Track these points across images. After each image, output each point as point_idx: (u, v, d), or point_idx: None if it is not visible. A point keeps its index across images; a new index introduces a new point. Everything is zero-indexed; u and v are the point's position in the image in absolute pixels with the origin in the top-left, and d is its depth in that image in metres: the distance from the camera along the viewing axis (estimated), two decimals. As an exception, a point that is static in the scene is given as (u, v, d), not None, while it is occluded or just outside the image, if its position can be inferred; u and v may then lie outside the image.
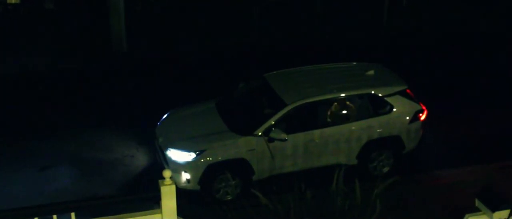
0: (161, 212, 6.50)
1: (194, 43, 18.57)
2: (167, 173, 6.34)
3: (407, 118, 12.48)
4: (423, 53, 18.59)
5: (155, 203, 6.66)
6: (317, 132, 11.96)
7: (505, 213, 8.06)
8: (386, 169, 12.54)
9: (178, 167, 11.56)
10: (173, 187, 6.38)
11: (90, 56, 17.69)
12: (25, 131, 14.02)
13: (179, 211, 6.63)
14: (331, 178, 8.21)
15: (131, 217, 6.49)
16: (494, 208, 8.01)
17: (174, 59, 17.67)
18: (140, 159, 13.13)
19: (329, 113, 12.06)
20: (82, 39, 18.38)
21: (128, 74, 16.93)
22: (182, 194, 11.33)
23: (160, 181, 6.41)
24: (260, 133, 11.66)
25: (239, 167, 11.67)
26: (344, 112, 12.16)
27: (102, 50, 17.94)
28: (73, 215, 6.32)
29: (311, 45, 18.78)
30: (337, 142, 12.08)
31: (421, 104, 12.70)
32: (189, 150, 11.57)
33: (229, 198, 11.76)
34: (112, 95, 15.72)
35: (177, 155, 11.62)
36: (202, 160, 11.50)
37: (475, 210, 8.26)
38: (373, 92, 12.31)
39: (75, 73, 16.82)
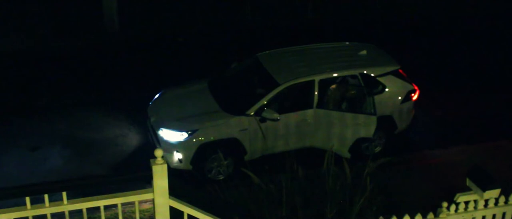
0: (152, 192, 6.49)
1: (186, 23, 18.47)
2: (158, 153, 6.32)
3: (399, 98, 12.49)
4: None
5: (147, 182, 6.66)
6: (309, 112, 11.96)
7: (495, 192, 8.11)
8: (378, 149, 12.57)
9: (170, 147, 11.56)
10: (165, 166, 6.36)
11: (81, 34, 17.57)
12: (16, 111, 13.95)
13: (171, 191, 6.63)
14: (323, 158, 8.24)
15: (122, 196, 6.48)
16: (484, 187, 8.05)
17: (166, 39, 17.58)
18: (132, 139, 13.10)
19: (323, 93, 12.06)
20: (73, 18, 18.25)
21: (119, 53, 16.84)
22: (174, 173, 11.36)
23: (151, 160, 6.40)
24: (252, 113, 11.65)
25: (231, 147, 11.67)
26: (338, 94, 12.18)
27: (93, 28, 17.82)
28: (64, 194, 6.31)
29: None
30: (330, 125, 12.06)
31: (413, 84, 12.71)
32: (181, 130, 11.56)
33: (221, 178, 11.78)
34: (104, 75, 15.65)
35: (169, 134, 11.61)
36: (194, 140, 11.50)
37: (466, 189, 8.31)
38: (365, 72, 12.30)
39: (66, 52, 16.71)
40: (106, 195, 6.47)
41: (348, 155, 11.96)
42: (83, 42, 17.22)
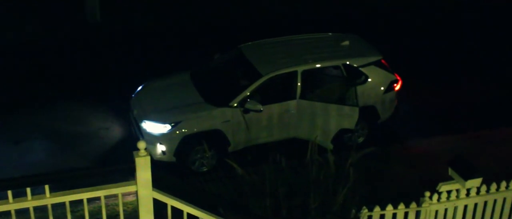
0: (136, 184, 6.47)
1: (168, 15, 18.40)
2: (141, 145, 6.30)
3: (382, 88, 12.53)
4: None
5: (130, 175, 6.64)
6: (292, 103, 11.97)
7: (477, 181, 8.18)
8: (361, 139, 12.62)
9: (153, 139, 11.53)
10: (148, 158, 6.34)
11: (62, 27, 17.45)
12: (-2, 105, 13.89)
13: (155, 183, 6.61)
14: (306, 149, 8.26)
15: (106, 189, 6.45)
16: (466, 176, 8.11)
17: (149, 30, 17.51)
18: (115, 131, 13.06)
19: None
20: (54, 9, 18.11)
21: (101, 45, 16.74)
22: (157, 166, 11.34)
23: (134, 152, 6.36)
24: (235, 104, 11.64)
25: (214, 139, 11.66)
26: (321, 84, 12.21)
27: (75, 20, 17.70)
28: (46, 187, 6.27)
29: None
30: (313, 116, 12.09)
31: (396, 74, 12.76)
32: (164, 122, 11.54)
33: (205, 170, 11.77)
34: (86, 67, 15.56)
35: (152, 127, 11.58)
36: (177, 132, 11.47)
37: (449, 179, 8.37)
38: (348, 62, 12.33)
39: (47, 44, 16.59)
40: (89, 188, 6.43)
41: (330, 146, 11.99)
42: (65, 34, 17.10)
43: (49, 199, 6.32)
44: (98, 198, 6.62)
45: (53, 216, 6.49)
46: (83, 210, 6.63)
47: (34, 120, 13.32)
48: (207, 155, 11.69)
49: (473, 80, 15.72)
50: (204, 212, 6.93)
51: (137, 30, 17.55)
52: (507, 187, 8.67)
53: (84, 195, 6.42)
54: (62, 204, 6.48)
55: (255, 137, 11.95)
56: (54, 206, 6.47)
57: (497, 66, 16.44)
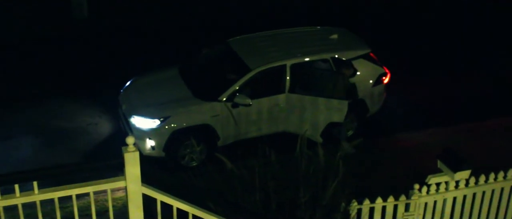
0: (125, 179, 6.44)
1: (156, 10, 18.34)
2: (130, 140, 6.26)
3: (371, 81, 12.55)
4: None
5: (119, 170, 6.61)
6: (281, 97, 11.96)
7: (466, 173, 8.21)
8: (350, 133, 12.64)
9: (142, 134, 11.50)
10: (137, 154, 6.30)
11: (49, 22, 17.36)
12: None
13: (144, 178, 6.59)
14: (296, 143, 8.25)
15: (94, 184, 6.41)
16: (455, 169, 8.15)
17: (136, 26, 17.45)
18: (104, 127, 13.02)
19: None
20: (41, 5, 18.00)
21: (89, 41, 16.67)
22: (147, 161, 11.32)
23: (123, 148, 6.33)
24: (224, 99, 11.63)
25: (203, 133, 11.65)
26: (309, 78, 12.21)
27: (61, 16, 17.61)
28: (35, 184, 6.23)
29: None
30: (303, 110, 12.09)
31: (384, 67, 12.78)
32: (153, 117, 11.51)
33: (194, 164, 11.77)
34: (74, 63, 15.48)
35: (141, 122, 11.54)
36: (166, 127, 11.45)
37: (438, 171, 8.40)
38: (337, 56, 12.33)
39: (35, 40, 16.50)
40: (77, 184, 6.39)
41: (320, 140, 12.00)
42: (52, 30, 17.01)
43: (37, 196, 6.28)
44: (88, 194, 6.59)
45: (42, 212, 6.45)
46: (72, 206, 6.59)
47: (22, 116, 13.26)
48: (196, 150, 11.68)
49: (461, 73, 15.77)
50: (194, 207, 6.91)
51: (125, 25, 17.48)
52: (495, 178, 8.71)
53: (73, 191, 6.38)
54: (51, 201, 6.44)
55: (244, 131, 11.94)
56: (43, 202, 6.42)
57: (485, 59, 16.49)
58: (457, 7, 19.49)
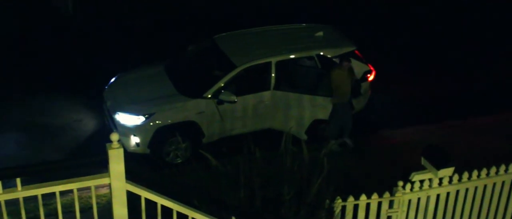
0: (109, 176, 6.41)
1: (142, 6, 18.25)
2: (114, 137, 6.23)
3: (356, 79, 12.59)
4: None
5: (104, 167, 6.58)
6: (266, 94, 11.97)
7: (449, 170, 8.24)
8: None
9: (127, 131, 11.47)
10: (121, 150, 6.28)
11: (33, 18, 17.24)
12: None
13: (128, 175, 6.57)
14: (281, 140, 8.26)
15: (78, 181, 6.38)
16: (439, 166, 8.17)
17: (122, 21, 17.36)
18: (89, 123, 12.97)
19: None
20: (26, 1, 17.88)
21: (74, 37, 16.57)
22: (131, 158, 11.28)
23: (107, 144, 6.30)
24: (209, 96, 11.62)
25: (188, 130, 11.64)
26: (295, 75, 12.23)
27: (46, 12, 17.50)
28: (18, 181, 6.19)
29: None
30: (287, 107, 12.12)
31: (369, 65, 12.82)
32: (138, 114, 11.48)
33: (179, 161, 11.76)
34: (58, 59, 15.39)
35: (126, 118, 11.51)
36: (151, 124, 11.42)
37: (421, 168, 8.43)
38: (322, 53, 12.35)
39: (19, 36, 16.39)
40: (61, 181, 6.36)
41: (305, 137, 12.04)
42: (36, 26, 16.90)
43: (20, 193, 6.24)
44: (72, 191, 6.56)
45: (25, 209, 6.41)
46: (56, 203, 6.55)
47: (6, 112, 13.17)
48: (181, 147, 11.66)
49: (446, 71, 15.85)
50: (178, 204, 6.90)
51: (111, 21, 17.39)
52: (478, 176, 8.76)
53: (57, 188, 6.34)
54: (35, 198, 6.40)
55: (229, 128, 11.94)
56: (26, 199, 6.39)
57: (470, 57, 16.57)
58: (451, 5, 19.55)
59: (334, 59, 12.34)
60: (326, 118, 12.05)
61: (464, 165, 8.88)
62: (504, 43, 17.35)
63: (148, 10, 18.05)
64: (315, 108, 12.04)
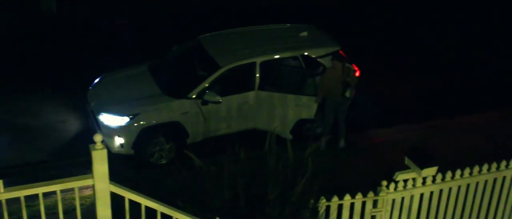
0: (92, 177, 6.40)
1: (127, 6, 18.20)
2: (98, 138, 6.23)
3: (340, 79, 12.60)
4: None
5: (88, 168, 6.57)
6: (251, 94, 11.98)
7: (433, 170, 8.29)
8: (319, 130, 12.68)
9: (111, 132, 11.43)
10: (105, 151, 6.27)
11: (17, 17, 17.12)
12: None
13: (112, 176, 6.56)
14: (265, 140, 8.26)
15: (61, 183, 6.36)
16: (422, 165, 8.23)
17: (107, 21, 17.30)
18: (72, 124, 12.90)
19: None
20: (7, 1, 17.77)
21: (57, 36, 16.49)
22: (116, 158, 11.24)
23: (91, 145, 6.29)
24: (194, 96, 11.61)
25: (173, 131, 11.62)
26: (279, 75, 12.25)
27: (29, 11, 17.38)
28: (0, 182, 6.16)
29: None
30: (272, 107, 12.13)
31: (354, 65, 12.84)
32: (122, 114, 11.44)
33: (163, 162, 11.73)
34: (41, 59, 15.30)
35: (110, 119, 11.47)
36: (135, 124, 11.39)
37: (405, 168, 8.47)
38: (306, 53, 12.38)
39: (1, 35, 16.26)
40: (44, 182, 6.33)
41: (289, 136, 12.06)
42: (20, 25, 16.79)
43: (3, 194, 6.21)
44: (55, 192, 6.53)
45: (8, 211, 6.38)
46: (39, 205, 6.52)
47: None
48: (165, 148, 11.64)
49: (429, 71, 15.93)
50: (162, 205, 6.90)
51: (95, 20, 17.32)
52: (462, 175, 8.81)
53: (40, 190, 6.32)
54: (18, 199, 6.37)
55: (214, 129, 11.93)
56: (9, 201, 6.36)
57: (453, 57, 16.66)
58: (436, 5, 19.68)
59: (318, 59, 12.37)
60: (311, 117, 12.08)
61: (448, 164, 8.94)
62: (490, 43, 17.47)
63: (132, 10, 18.01)
64: (300, 107, 12.08)
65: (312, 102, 12.00)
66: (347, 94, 11.74)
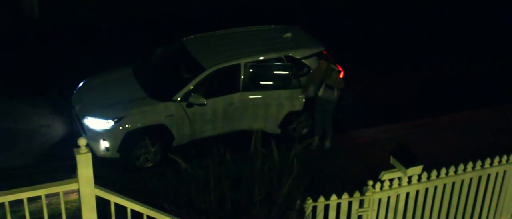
0: (77, 181, 6.37)
1: (108, 9, 18.12)
2: (82, 141, 6.20)
3: (325, 79, 12.64)
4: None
5: (73, 172, 6.54)
6: (236, 96, 11.98)
7: (418, 169, 8.33)
8: (305, 131, 12.72)
9: (96, 136, 11.38)
10: (89, 155, 6.24)
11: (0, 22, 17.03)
12: None
13: (99, 180, 6.53)
14: (251, 141, 8.26)
15: (46, 187, 6.33)
16: (408, 164, 8.26)
17: (88, 26, 17.22)
18: (57, 128, 12.83)
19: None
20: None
21: (40, 41, 16.40)
22: (101, 162, 11.20)
23: (75, 149, 6.27)
24: (179, 98, 11.59)
25: (158, 133, 11.59)
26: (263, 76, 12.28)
27: (12, 15, 17.28)
28: (-15, 188, 6.13)
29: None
30: (257, 107, 12.15)
31: (338, 65, 12.87)
32: (107, 118, 11.39)
33: (149, 165, 11.69)
34: (26, 64, 15.21)
35: (94, 123, 11.42)
36: (120, 128, 11.35)
37: (391, 167, 8.50)
38: (290, 54, 12.40)
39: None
40: (29, 187, 6.30)
41: (278, 131, 12.16)
42: (2, 30, 16.68)
43: (-13, 200, 6.18)
44: (40, 197, 6.49)
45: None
46: (24, 210, 6.48)
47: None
48: (150, 151, 11.61)
49: (413, 70, 16.00)
50: (148, 208, 6.88)
51: (78, 24, 17.24)
52: (447, 173, 8.86)
53: (24, 195, 6.28)
54: (2, 205, 6.33)
55: (199, 131, 11.92)
56: (-6, 206, 6.33)
57: (437, 56, 16.75)
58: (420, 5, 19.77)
59: (302, 60, 12.40)
60: (299, 109, 12.26)
61: (433, 163, 8.99)
62: (472, 42, 17.58)
63: (118, 11, 17.93)
64: (287, 101, 12.17)
65: (297, 93, 12.10)
66: (320, 92, 11.75)
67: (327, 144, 12.37)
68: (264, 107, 12.15)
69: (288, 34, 12.98)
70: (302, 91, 12.14)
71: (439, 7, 19.72)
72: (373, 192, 8.47)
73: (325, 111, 12.12)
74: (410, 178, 8.61)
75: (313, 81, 11.91)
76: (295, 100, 12.27)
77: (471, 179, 9.12)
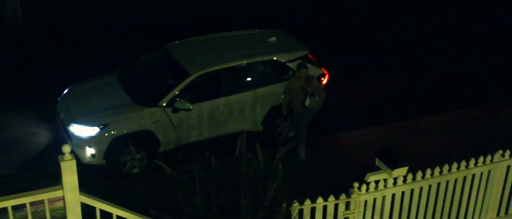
0: (62, 189, 6.36)
1: (92, 17, 18.07)
2: (66, 148, 6.20)
3: (310, 82, 12.66)
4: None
5: (58, 179, 6.52)
6: (221, 100, 11.99)
7: (403, 170, 8.38)
8: (291, 134, 12.73)
9: (82, 142, 11.35)
10: (74, 162, 6.24)
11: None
12: None
13: (85, 187, 6.52)
14: (236, 145, 8.27)
15: (31, 195, 6.31)
16: (393, 166, 8.30)
17: (72, 34, 17.15)
18: (42, 136, 12.77)
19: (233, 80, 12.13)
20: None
21: (24, 48, 16.32)
22: (87, 169, 11.15)
23: (59, 157, 6.26)
24: (164, 104, 11.58)
25: (144, 139, 11.57)
26: (248, 79, 12.29)
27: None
28: (-31, 197, 6.10)
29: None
30: (242, 109, 12.17)
31: (323, 68, 12.93)
32: (92, 125, 11.37)
33: (136, 171, 11.67)
34: (8, 71, 15.13)
35: (80, 130, 11.39)
36: (106, 134, 11.32)
37: (376, 169, 8.54)
38: (275, 58, 12.43)
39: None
40: (13, 195, 6.28)
41: (260, 128, 12.25)
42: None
43: (-28, 209, 6.15)
44: (25, 205, 6.47)
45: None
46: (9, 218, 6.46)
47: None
48: (137, 157, 11.59)
49: (398, 72, 16.05)
50: (134, 214, 6.88)
51: (62, 31, 17.18)
52: (432, 174, 8.91)
53: (9, 203, 6.27)
54: (-13, 213, 6.31)
55: (185, 136, 11.91)
56: (-22, 215, 6.30)
57: (423, 57, 16.81)
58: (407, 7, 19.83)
59: (287, 64, 12.43)
60: (281, 102, 12.26)
61: (418, 164, 9.03)
62: (459, 43, 17.66)
63: (103, 18, 17.87)
64: (269, 96, 12.23)
65: (279, 88, 12.16)
66: (307, 103, 11.73)
67: (302, 155, 12.18)
68: (249, 108, 12.17)
69: (273, 38, 13.01)
70: (283, 107, 12.09)
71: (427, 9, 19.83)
72: (359, 194, 8.50)
73: (303, 121, 12.08)
74: (395, 179, 8.65)
75: (294, 91, 11.83)
76: (276, 95, 12.27)
77: (456, 179, 9.17)
